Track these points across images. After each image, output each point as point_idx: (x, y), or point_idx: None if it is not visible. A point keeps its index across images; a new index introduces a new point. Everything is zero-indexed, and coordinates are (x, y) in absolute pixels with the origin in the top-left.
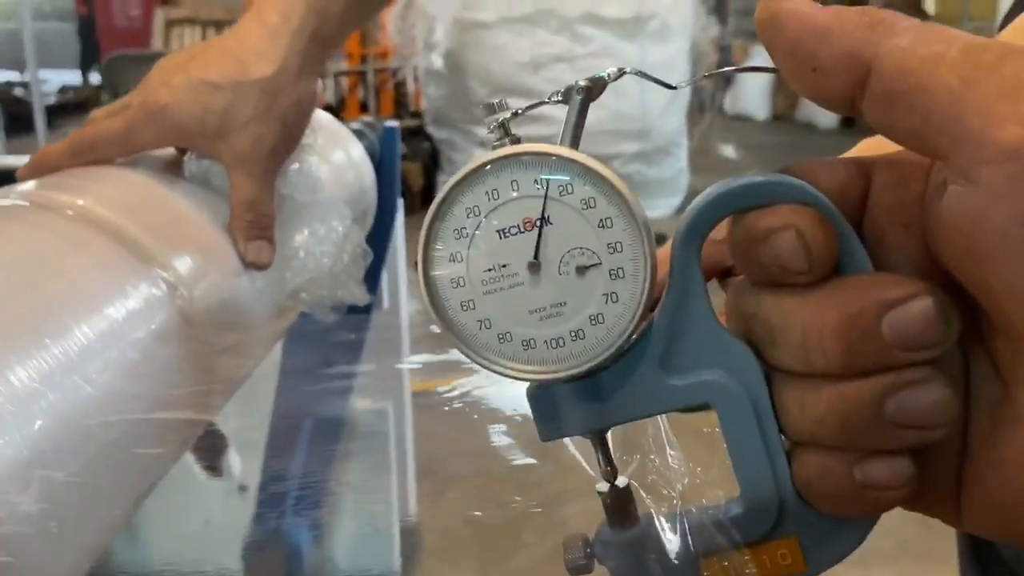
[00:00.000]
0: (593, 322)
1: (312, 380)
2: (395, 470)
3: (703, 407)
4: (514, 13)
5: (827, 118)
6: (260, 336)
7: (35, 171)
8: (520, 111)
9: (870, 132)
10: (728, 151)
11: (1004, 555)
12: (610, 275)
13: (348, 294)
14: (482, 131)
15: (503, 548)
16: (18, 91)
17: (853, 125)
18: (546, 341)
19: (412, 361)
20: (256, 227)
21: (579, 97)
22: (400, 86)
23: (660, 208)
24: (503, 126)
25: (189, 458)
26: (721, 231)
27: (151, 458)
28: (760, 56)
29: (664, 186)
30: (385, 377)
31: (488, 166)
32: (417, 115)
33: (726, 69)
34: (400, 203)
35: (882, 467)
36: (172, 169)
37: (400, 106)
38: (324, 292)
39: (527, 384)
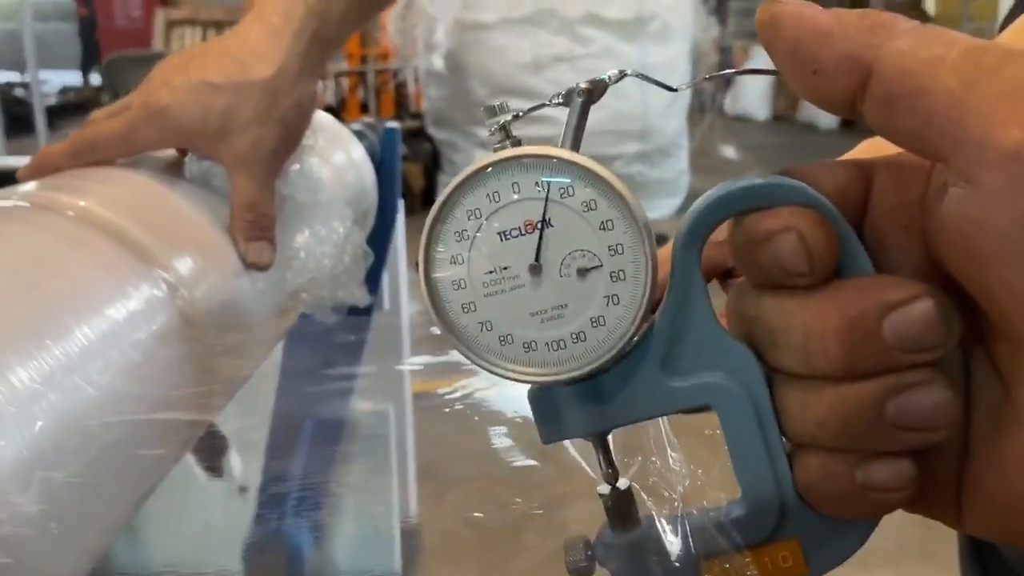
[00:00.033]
0: (594, 324)
1: (313, 381)
2: (396, 472)
3: (704, 409)
4: (515, 14)
5: (827, 119)
6: (261, 337)
7: (36, 172)
8: (521, 114)
9: (870, 133)
10: (729, 152)
11: (1005, 556)
12: (611, 277)
13: (349, 295)
14: (483, 132)
15: (504, 550)
16: (19, 92)
17: (853, 126)
18: (547, 343)
19: (413, 362)
20: (257, 228)
21: (580, 99)
22: (401, 87)
23: (661, 209)
24: (504, 128)
25: (190, 459)
26: (722, 233)
27: (152, 459)
28: (761, 57)
29: (665, 187)
30: (386, 378)
31: (489, 168)
32: (418, 116)
33: (727, 71)
34: (401, 204)
35: (883, 469)
36: (173, 170)
37: (401, 107)
38: (325, 293)
39: (528, 386)
